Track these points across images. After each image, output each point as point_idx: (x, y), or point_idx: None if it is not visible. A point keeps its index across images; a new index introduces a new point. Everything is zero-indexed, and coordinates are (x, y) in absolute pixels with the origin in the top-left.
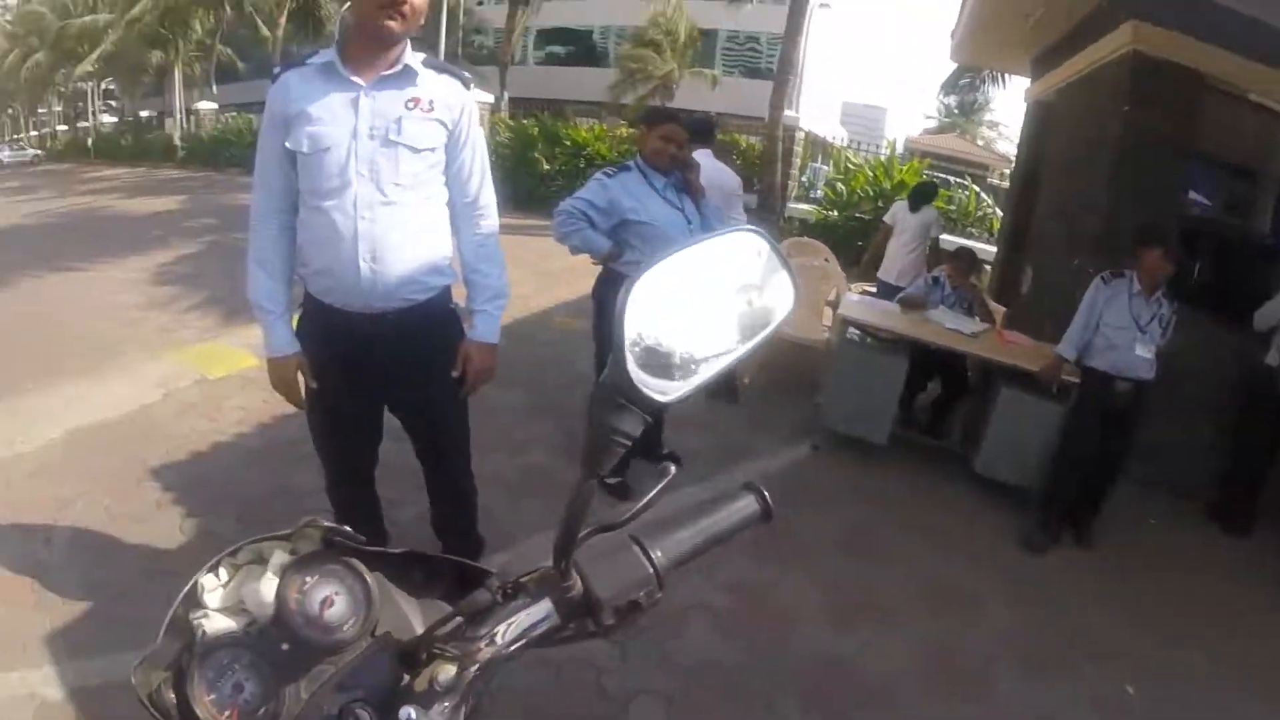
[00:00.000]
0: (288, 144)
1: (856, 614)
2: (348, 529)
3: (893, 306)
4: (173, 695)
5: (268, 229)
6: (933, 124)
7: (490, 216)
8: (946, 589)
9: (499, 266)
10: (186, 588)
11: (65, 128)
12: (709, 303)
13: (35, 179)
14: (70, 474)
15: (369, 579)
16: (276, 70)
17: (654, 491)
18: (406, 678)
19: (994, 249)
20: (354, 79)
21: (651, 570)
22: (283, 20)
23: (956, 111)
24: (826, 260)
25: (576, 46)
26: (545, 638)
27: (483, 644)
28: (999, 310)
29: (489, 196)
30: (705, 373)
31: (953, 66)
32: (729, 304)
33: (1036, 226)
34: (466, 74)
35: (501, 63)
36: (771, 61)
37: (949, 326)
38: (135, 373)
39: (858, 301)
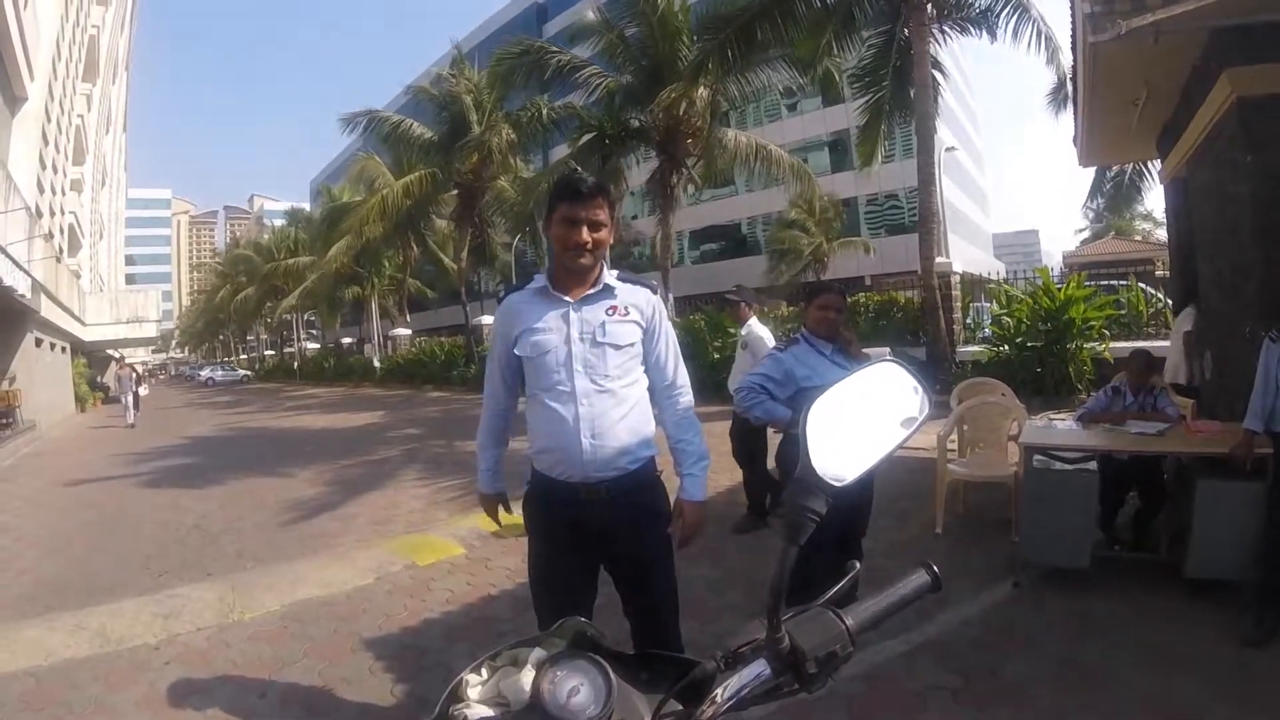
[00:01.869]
0: (516, 350)
1: None
2: (596, 627)
3: (1075, 426)
4: None
5: (491, 411)
6: (1087, 233)
7: (686, 394)
8: (1166, 704)
9: (699, 435)
10: (452, 684)
11: (272, 352)
12: (864, 415)
13: (246, 395)
14: (287, 640)
15: (610, 673)
16: (501, 295)
17: (842, 582)
18: None
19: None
20: (564, 298)
21: (844, 628)
22: (464, 255)
23: (1107, 214)
24: (1003, 395)
25: (727, 241)
26: (757, 694)
27: (705, 707)
28: (1186, 404)
29: (684, 377)
30: (867, 463)
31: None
32: (878, 415)
33: (1203, 306)
34: (653, 281)
35: (661, 267)
36: (914, 215)
37: (1134, 432)
38: (350, 559)
39: (1040, 427)
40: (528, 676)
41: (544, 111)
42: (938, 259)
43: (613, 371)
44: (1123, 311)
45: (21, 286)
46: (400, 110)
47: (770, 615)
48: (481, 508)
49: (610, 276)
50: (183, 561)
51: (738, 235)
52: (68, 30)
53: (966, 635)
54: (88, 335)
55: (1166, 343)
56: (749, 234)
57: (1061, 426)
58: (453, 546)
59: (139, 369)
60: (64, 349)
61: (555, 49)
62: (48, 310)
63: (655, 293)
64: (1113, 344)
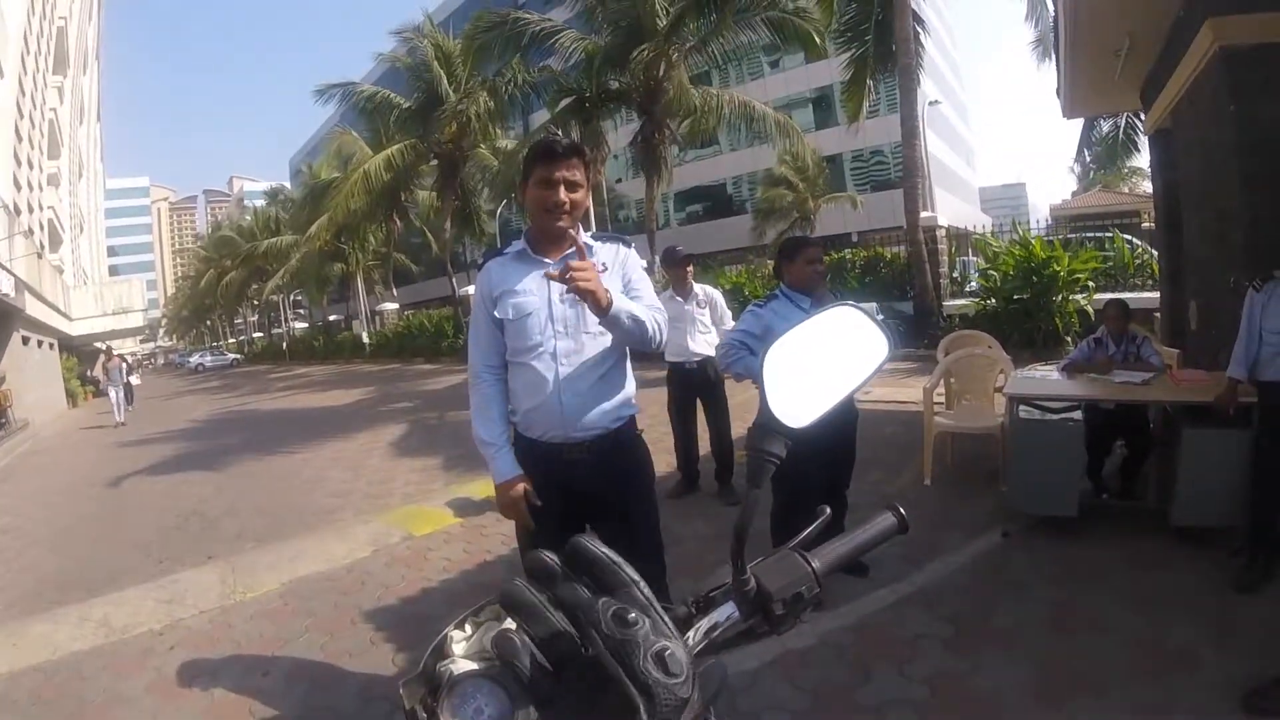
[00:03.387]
0: (496, 314)
1: (1066, 689)
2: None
3: (1060, 377)
4: (425, 715)
5: (485, 384)
6: (1075, 186)
7: (663, 332)
8: (1158, 648)
9: (647, 320)
10: (436, 640)
11: (260, 334)
12: (823, 359)
13: (237, 379)
14: (289, 617)
15: None
16: (481, 260)
17: (812, 526)
18: None
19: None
20: (544, 259)
21: (810, 570)
22: (448, 226)
23: (1094, 167)
24: (989, 348)
25: (712, 201)
26: (729, 636)
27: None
28: (1171, 354)
29: (662, 319)
30: (825, 406)
31: (1078, 125)
32: (838, 358)
33: (1189, 258)
34: (625, 237)
35: (647, 230)
36: (900, 170)
37: (1118, 381)
38: (347, 533)
39: (1025, 378)
40: (511, 627)
41: (520, 77)
42: (923, 214)
43: (593, 329)
44: (1109, 264)
45: (5, 286)
46: (377, 82)
47: (734, 558)
48: (500, 503)
49: (585, 236)
50: (183, 547)
51: (723, 195)
52: (35, 23)
53: (956, 584)
54: (75, 330)
55: (1151, 294)
56: (734, 194)
57: (1047, 377)
58: (448, 516)
59: (129, 358)
60: (52, 345)
61: (530, 16)
62: (33, 308)
63: (629, 246)
64: (1098, 295)
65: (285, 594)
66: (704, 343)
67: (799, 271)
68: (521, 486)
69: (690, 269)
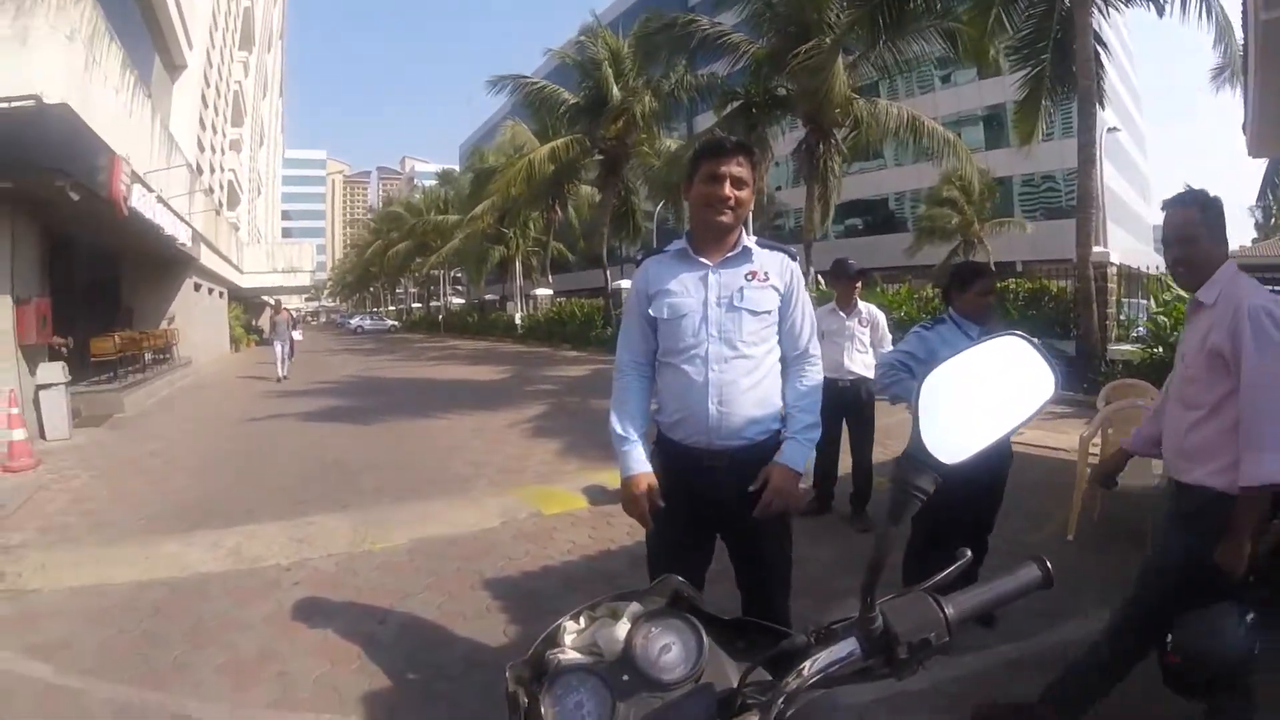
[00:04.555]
0: (650, 312)
1: None
2: (694, 589)
3: None
4: (525, 700)
5: (629, 378)
6: (1257, 234)
7: (817, 365)
8: None
9: (817, 411)
10: (550, 629)
11: (419, 305)
12: (983, 392)
13: (392, 344)
14: (411, 574)
15: (703, 635)
16: (640, 257)
17: (949, 569)
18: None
19: None
20: (703, 260)
21: (942, 616)
22: (607, 220)
23: (1276, 214)
24: (1151, 400)
25: (873, 216)
26: (846, 673)
27: (790, 679)
28: None
29: (816, 348)
30: (983, 442)
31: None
32: (999, 392)
33: None
34: (792, 249)
35: (805, 239)
36: (1072, 199)
37: None
38: (479, 502)
39: None
40: (623, 629)
41: (686, 79)
42: (1095, 248)
43: (748, 337)
44: None
45: (182, 236)
46: (547, 76)
47: (864, 593)
48: (623, 499)
49: (749, 240)
50: (321, 493)
51: (884, 210)
52: (223, 3)
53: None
54: (244, 282)
55: None
56: (896, 209)
57: None
58: (579, 500)
59: (293, 314)
60: (221, 294)
61: (698, 19)
62: (206, 258)
63: (795, 260)
64: None
65: (411, 551)
66: (861, 362)
67: (971, 301)
68: (647, 485)
69: (859, 285)
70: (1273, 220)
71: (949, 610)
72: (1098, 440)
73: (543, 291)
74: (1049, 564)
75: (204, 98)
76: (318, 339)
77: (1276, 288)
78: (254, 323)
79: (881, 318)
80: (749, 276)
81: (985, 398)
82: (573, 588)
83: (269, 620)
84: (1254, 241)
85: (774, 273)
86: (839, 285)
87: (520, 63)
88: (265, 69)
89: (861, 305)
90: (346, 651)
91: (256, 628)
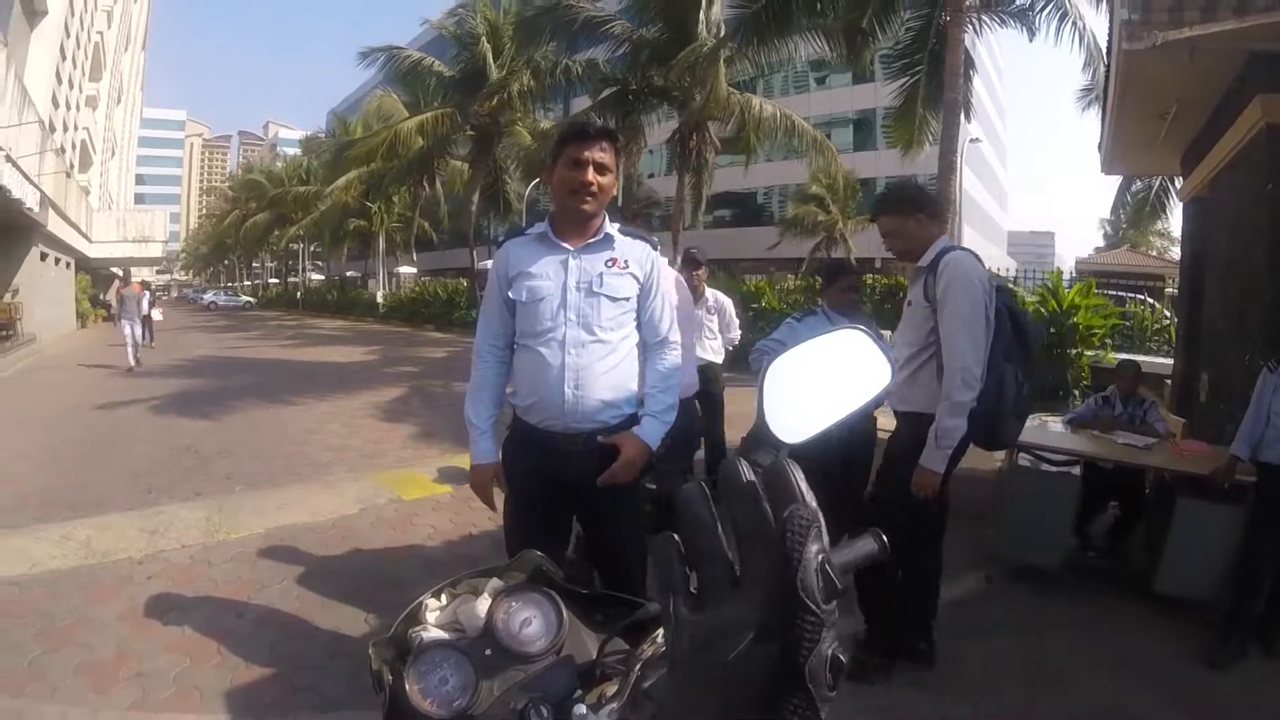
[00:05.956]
0: (510, 294)
1: None
2: (553, 564)
3: (1064, 430)
4: (390, 677)
5: (486, 363)
6: (1101, 243)
7: (675, 352)
8: (1121, 714)
9: (675, 393)
10: (411, 607)
11: (276, 280)
12: (824, 379)
13: (247, 322)
14: (268, 564)
15: (563, 608)
16: (500, 239)
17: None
18: (581, 691)
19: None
20: (564, 245)
21: None
22: (476, 198)
23: (1125, 227)
24: None
25: (741, 209)
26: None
27: (645, 646)
28: (1177, 423)
29: (675, 335)
30: (819, 425)
31: (1118, 182)
32: (839, 380)
33: (1207, 329)
34: (654, 238)
35: (673, 229)
36: None
37: (1120, 441)
38: (336, 489)
39: (1030, 427)
40: (484, 605)
41: (565, 62)
42: None
43: (606, 323)
44: (1128, 323)
45: (30, 200)
46: (422, 48)
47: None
48: (471, 482)
49: (611, 228)
50: (173, 481)
51: (753, 204)
52: None
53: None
54: (93, 252)
55: (1165, 360)
56: (764, 204)
57: (1050, 428)
58: (439, 484)
59: (150, 288)
60: (69, 265)
61: (583, 3)
62: (54, 225)
63: (656, 249)
64: (1113, 354)
65: (267, 540)
66: (710, 348)
67: (836, 296)
68: (492, 473)
69: (702, 272)
70: (1120, 234)
71: None
72: None
73: (406, 269)
74: (885, 537)
75: (63, 49)
76: (169, 316)
77: (1113, 292)
78: (101, 296)
79: (729, 304)
80: (609, 263)
81: (826, 384)
82: (434, 573)
83: (124, 617)
84: (1096, 250)
85: (634, 261)
86: (685, 274)
87: (397, 31)
88: (130, 19)
89: (709, 293)
90: (205, 647)
91: (112, 626)
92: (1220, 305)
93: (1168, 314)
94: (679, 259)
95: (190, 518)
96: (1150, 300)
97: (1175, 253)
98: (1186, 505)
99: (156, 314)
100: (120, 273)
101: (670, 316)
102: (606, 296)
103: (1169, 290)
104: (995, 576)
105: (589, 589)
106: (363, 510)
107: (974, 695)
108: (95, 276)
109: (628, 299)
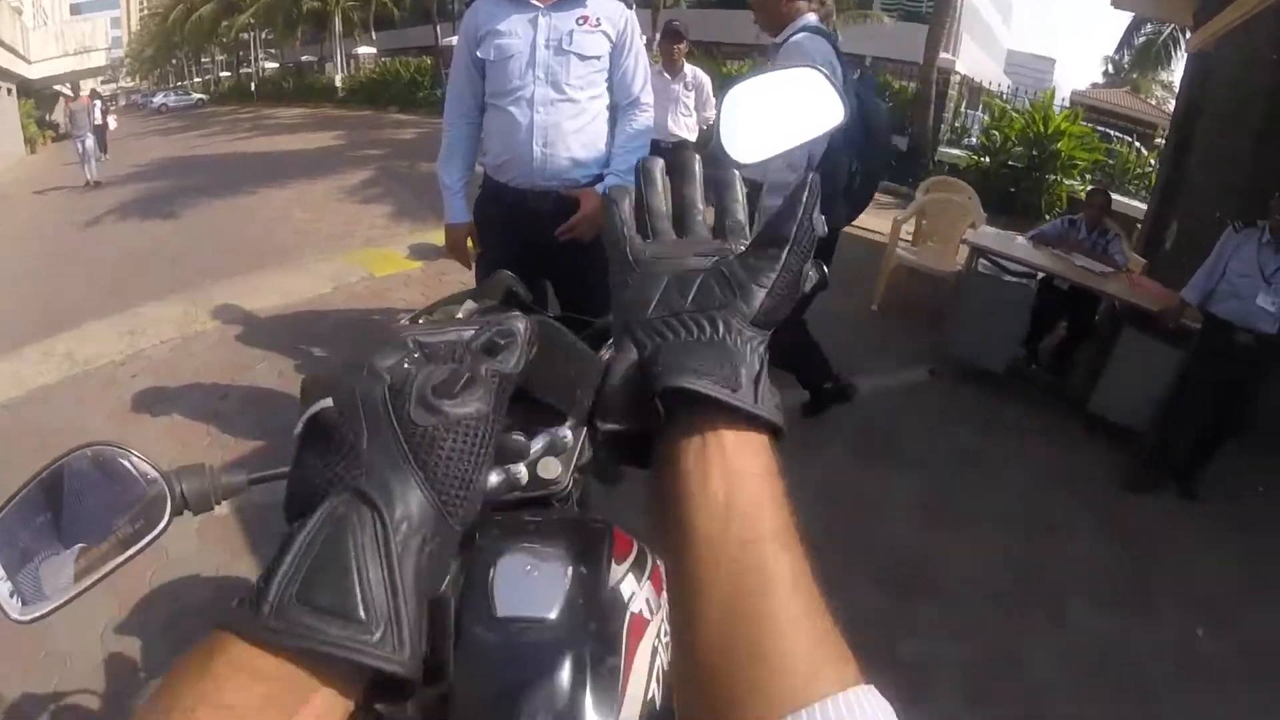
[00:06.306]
0: (478, 53)
1: (945, 521)
2: (525, 287)
3: (1027, 244)
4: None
5: (458, 127)
6: (1101, 80)
7: (648, 113)
8: (1041, 516)
9: (643, 152)
10: (387, 334)
11: (228, 74)
12: (780, 109)
13: (200, 120)
14: (247, 347)
15: (532, 325)
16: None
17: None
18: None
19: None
20: (534, 2)
21: None
22: None
23: (1126, 68)
24: (969, 198)
25: None
26: None
27: (604, 351)
28: (1139, 261)
29: (649, 97)
30: (771, 150)
31: (1127, 20)
32: (794, 111)
33: (1187, 181)
34: None
35: (653, 5)
36: (931, 5)
37: (1079, 264)
38: (309, 270)
39: (992, 234)
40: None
41: None
42: (943, 54)
43: (575, 81)
44: (1111, 161)
45: None
46: None
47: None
48: (446, 241)
49: None
50: (143, 285)
51: None
52: None
53: (876, 404)
54: (34, 73)
55: (1139, 204)
56: None
57: (1015, 241)
58: (410, 260)
59: (101, 97)
60: (10, 91)
61: None
62: None
63: (631, 7)
64: (1091, 188)
65: (245, 324)
66: (684, 125)
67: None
68: (466, 231)
69: (683, 47)
70: (1121, 75)
71: None
72: (911, 227)
73: (365, 50)
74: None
75: None
76: (120, 124)
77: (1104, 128)
78: (48, 117)
79: (707, 81)
80: (580, 21)
81: (780, 114)
82: None
83: (113, 415)
84: (1092, 85)
85: (606, 19)
86: (665, 47)
87: None
88: None
89: (688, 68)
90: (195, 430)
91: (103, 427)
92: (1203, 160)
93: (1153, 162)
94: (658, 36)
95: (167, 314)
96: (1138, 145)
97: (1173, 106)
98: (1131, 335)
99: (112, 121)
100: (69, 89)
101: (644, 78)
102: (576, 54)
103: (1158, 140)
104: (939, 371)
105: (556, 315)
106: (336, 289)
107: (903, 469)
108: (40, 98)
109: (598, 58)
